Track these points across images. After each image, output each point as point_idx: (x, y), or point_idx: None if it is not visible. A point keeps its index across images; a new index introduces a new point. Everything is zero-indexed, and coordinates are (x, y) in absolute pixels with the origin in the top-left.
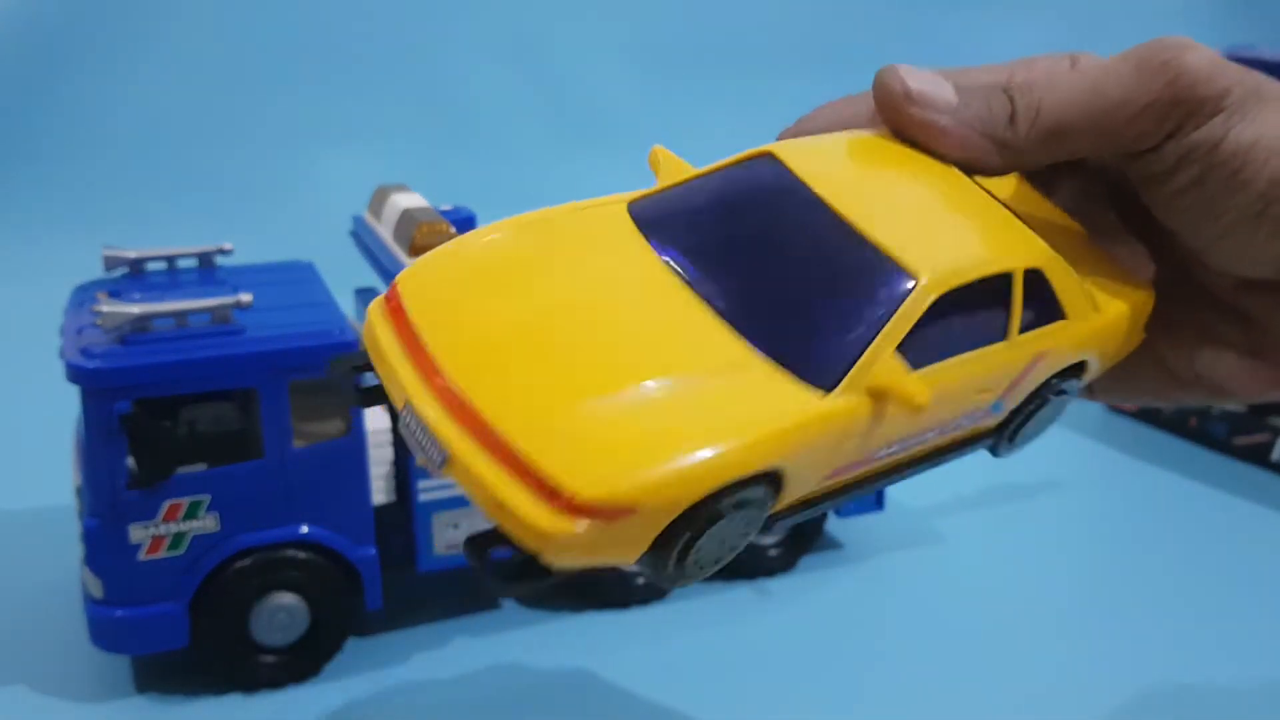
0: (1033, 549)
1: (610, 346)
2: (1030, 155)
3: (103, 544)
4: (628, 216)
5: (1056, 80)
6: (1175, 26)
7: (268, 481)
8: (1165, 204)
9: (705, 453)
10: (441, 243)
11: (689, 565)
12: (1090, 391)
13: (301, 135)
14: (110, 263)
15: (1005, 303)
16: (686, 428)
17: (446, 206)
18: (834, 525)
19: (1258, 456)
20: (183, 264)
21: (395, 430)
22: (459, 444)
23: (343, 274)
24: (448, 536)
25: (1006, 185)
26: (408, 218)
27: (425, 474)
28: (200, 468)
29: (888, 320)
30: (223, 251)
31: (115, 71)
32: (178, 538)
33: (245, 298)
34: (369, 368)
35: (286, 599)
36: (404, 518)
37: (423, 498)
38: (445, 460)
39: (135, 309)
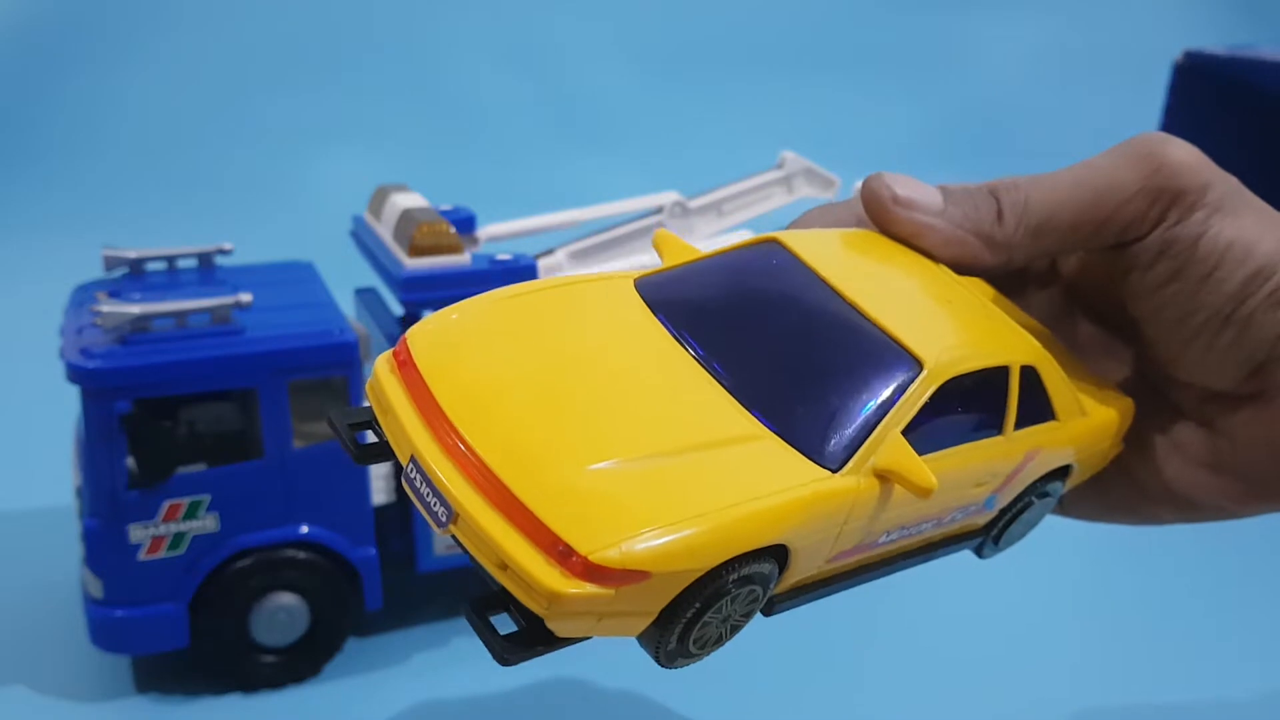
0: (1035, 548)
1: (624, 414)
2: (1020, 250)
3: (103, 544)
4: (634, 291)
5: (1041, 178)
6: (1175, 26)
7: (268, 481)
8: (1143, 298)
9: (719, 522)
10: (441, 243)
11: (691, 644)
12: (1061, 506)
13: (301, 135)
14: (110, 263)
15: (1002, 398)
16: (701, 497)
17: (446, 206)
18: None
19: None
20: (183, 264)
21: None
22: (468, 501)
23: (343, 274)
24: (447, 537)
25: (986, 296)
26: (408, 218)
27: None
28: (200, 468)
29: (894, 404)
30: (223, 251)
31: (115, 72)
32: (178, 538)
33: (245, 298)
34: (367, 425)
35: (286, 599)
36: (404, 518)
37: None
38: (452, 517)
39: (135, 309)
